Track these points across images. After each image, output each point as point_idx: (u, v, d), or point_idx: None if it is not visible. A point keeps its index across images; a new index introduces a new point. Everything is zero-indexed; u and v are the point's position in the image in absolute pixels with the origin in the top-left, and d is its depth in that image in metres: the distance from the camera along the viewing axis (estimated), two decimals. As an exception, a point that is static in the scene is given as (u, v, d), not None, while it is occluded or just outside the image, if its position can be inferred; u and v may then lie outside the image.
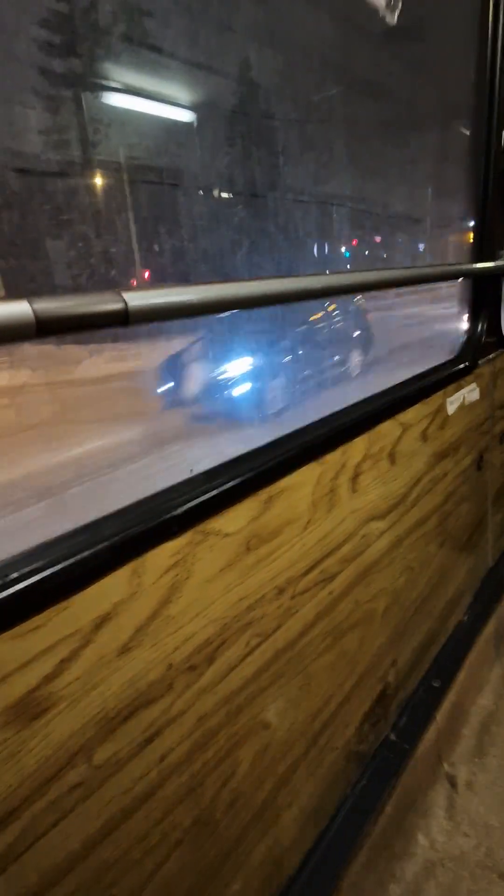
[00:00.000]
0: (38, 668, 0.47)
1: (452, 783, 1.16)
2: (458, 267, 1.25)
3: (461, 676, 1.28)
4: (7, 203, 1.47)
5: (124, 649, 0.54)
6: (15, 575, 0.45)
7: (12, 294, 0.42)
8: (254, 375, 2.39)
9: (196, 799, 0.64)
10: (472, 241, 1.33)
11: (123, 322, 0.46)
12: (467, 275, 1.31)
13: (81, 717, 0.51)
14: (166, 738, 0.59)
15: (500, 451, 1.60)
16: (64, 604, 0.48)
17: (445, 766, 1.19)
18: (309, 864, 0.85)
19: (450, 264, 1.26)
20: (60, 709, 0.49)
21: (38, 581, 0.46)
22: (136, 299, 0.47)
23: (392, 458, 1.01)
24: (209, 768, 0.66)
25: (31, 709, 0.47)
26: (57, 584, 0.48)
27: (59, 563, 0.48)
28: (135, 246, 1.81)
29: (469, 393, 1.32)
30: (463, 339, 1.38)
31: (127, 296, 0.46)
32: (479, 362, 1.36)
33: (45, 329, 0.40)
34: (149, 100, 1.50)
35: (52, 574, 0.47)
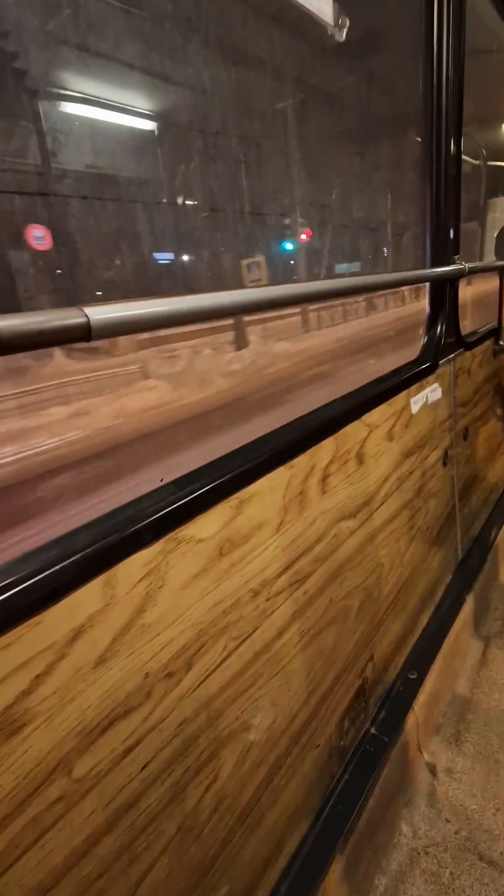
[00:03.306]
0: (12, 685, 0.47)
1: (432, 771, 1.20)
2: (416, 273, 1.30)
3: (436, 667, 1.31)
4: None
5: (100, 661, 0.55)
6: None
7: None
8: None
9: (179, 805, 0.65)
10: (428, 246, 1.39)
11: (86, 337, 0.47)
12: (425, 280, 1.36)
13: (59, 730, 0.51)
14: (146, 746, 0.60)
15: (464, 448, 1.66)
16: (36, 619, 0.49)
17: (425, 755, 1.23)
18: (296, 861, 0.86)
19: (408, 270, 1.30)
20: (38, 724, 0.49)
21: (9, 598, 0.46)
22: (98, 314, 0.47)
23: (360, 458, 1.04)
24: (191, 774, 0.66)
25: (7, 726, 0.47)
26: (28, 600, 0.48)
27: (29, 578, 0.48)
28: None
29: (431, 392, 1.37)
30: (424, 340, 1.43)
31: (88, 311, 0.47)
32: (440, 362, 1.41)
33: (7, 347, 0.41)
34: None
35: (22, 590, 0.47)
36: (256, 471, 0.76)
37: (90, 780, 0.54)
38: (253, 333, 7.67)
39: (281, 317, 9.02)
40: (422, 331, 1.45)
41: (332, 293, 0.86)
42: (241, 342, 7.11)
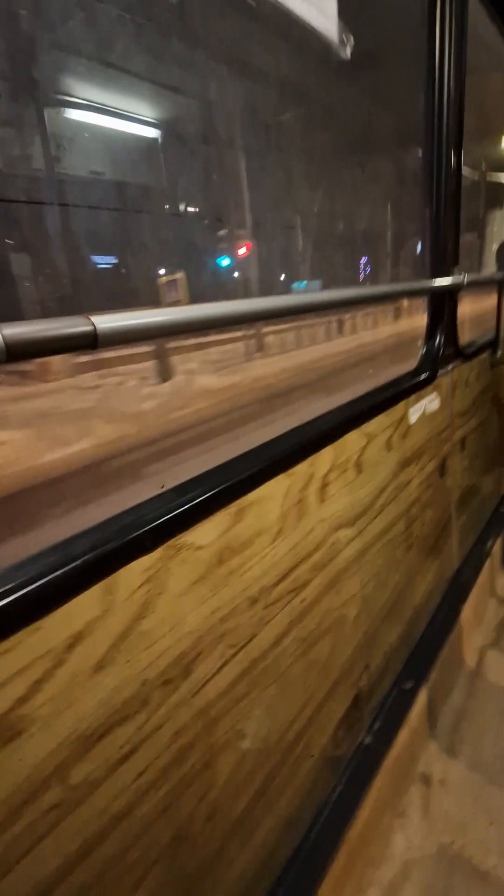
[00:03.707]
0: (10, 691, 0.47)
1: (426, 782, 1.19)
2: (416, 285, 1.31)
3: (432, 677, 1.31)
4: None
5: (98, 667, 0.55)
6: None
7: None
8: None
9: (174, 814, 0.65)
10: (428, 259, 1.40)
11: (92, 345, 0.47)
12: (424, 292, 1.37)
13: (56, 737, 0.51)
14: (142, 754, 0.60)
15: (461, 458, 1.67)
16: (36, 625, 0.49)
17: (419, 766, 1.22)
18: (289, 872, 0.86)
19: (408, 282, 1.32)
20: (34, 730, 0.49)
21: (9, 603, 0.47)
22: (104, 322, 0.48)
23: (358, 467, 1.05)
24: (186, 782, 0.66)
25: (5, 732, 0.47)
26: (28, 606, 0.48)
27: (29, 584, 0.48)
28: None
29: (430, 403, 1.38)
30: (423, 351, 1.45)
31: (95, 319, 0.47)
32: (439, 373, 1.42)
33: (14, 354, 0.41)
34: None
35: (22, 596, 0.47)
36: (256, 479, 0.77)
37: (86, 787, 0.54)
38: (192, 360, 6.76)
39: (224, 341, 7.89)
40: (420, 343, 1.46)
41: (334, 304, 0.87)
42: (164, 374, 6.10)
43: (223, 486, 0.70)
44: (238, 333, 7.93)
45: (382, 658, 1.18)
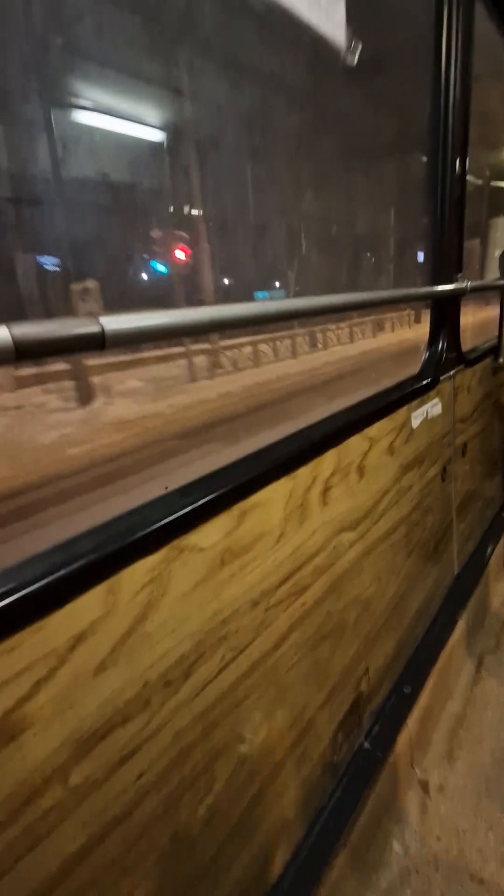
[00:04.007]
0: (13, 690, 0.47)
1: (424, 788, 1.19)
2: (419, 290, 1.32)
3: (431, 683, 1.31)
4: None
5: (100, 668, 0.55)
6: None
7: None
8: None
9: (173, 816, 0.64)
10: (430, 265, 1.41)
11: (100, 346, 0.47)
12: (427, 297, 1.38)
13: (57, 737, 0.51)
14: (143, 755, 0.60)
15: (463, 463, 1.67)
16: (39, 624, 0.49)
17: (417, 771, 1.22)
18: (286, 876, 0.85)
19: (411, 288, 1.32)
20: (36, 730, 0.49)
21: (12, 602, 0.47)
22: (112, 323, 0.48)
23: (360, 471, 1.05)
24: (186, 785, 0.66)
25: (6, 732, 0.46)
26: (31, 605, 0.48)
27: (33, 583, 0.48)
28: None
29: (432, 407, 1.39)
30: (425, 356, 1.45)
31: (103, 320, 0.48)
32: (441, 378, 1.42)
33: (23, 354, 0.41)
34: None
35: (26, 595, 0.47)
36: (259, 481, 0.77)
37: (86, 788, 0.54)
38: (129, 378, 5.91)
39: (175, 356, 6.97)
40: (422, 348, 1.46)
41: (340, 308, 0.87)
42: (83, 396, 5.18)
43: (226, 489, 0.70)
44: (182, 349, 7.10)
45: (382, 662, 1.18)
